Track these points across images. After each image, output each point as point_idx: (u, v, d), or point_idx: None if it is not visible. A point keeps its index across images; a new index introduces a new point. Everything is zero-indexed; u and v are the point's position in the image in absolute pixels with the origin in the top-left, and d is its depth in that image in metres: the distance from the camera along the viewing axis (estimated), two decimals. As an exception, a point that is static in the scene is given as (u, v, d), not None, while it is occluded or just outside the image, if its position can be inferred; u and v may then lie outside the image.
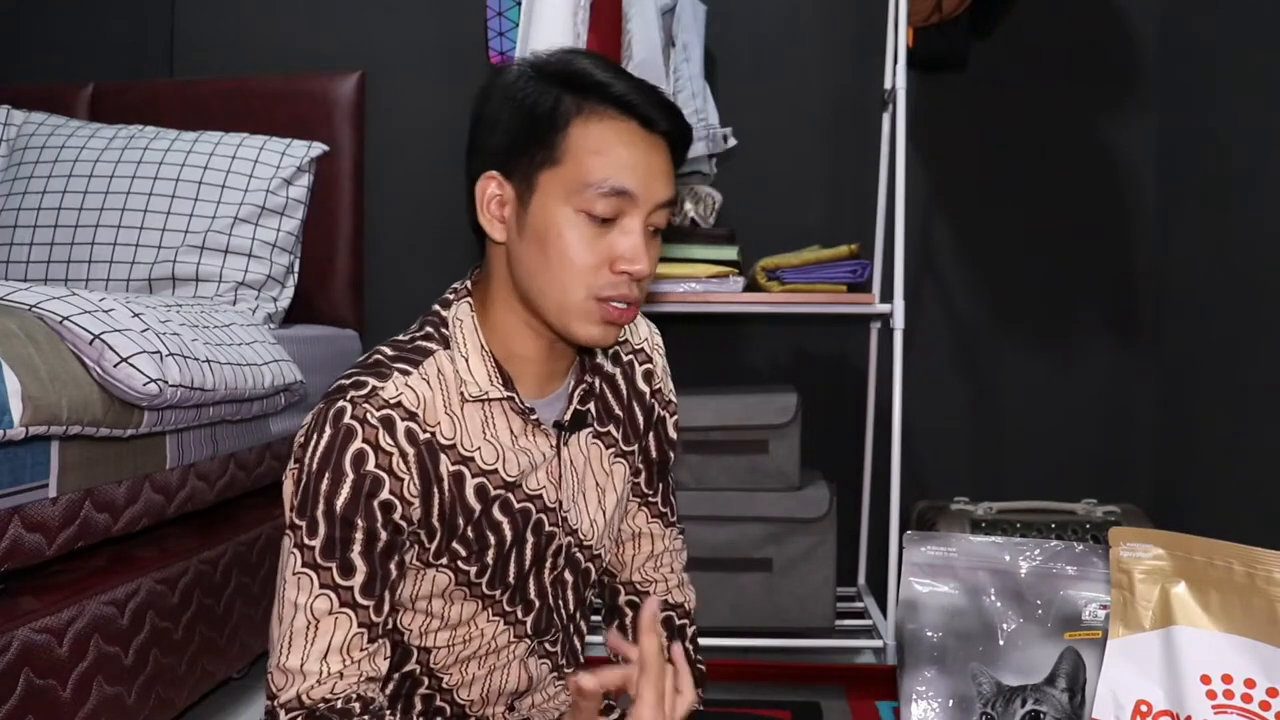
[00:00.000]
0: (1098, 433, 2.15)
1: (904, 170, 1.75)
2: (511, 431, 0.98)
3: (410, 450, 0.90)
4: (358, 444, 0.88)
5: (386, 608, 0.91)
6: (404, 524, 0.91)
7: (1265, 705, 0.95)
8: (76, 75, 2.30)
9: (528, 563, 1.01)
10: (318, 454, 0.89)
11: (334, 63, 2.24)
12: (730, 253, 1.82)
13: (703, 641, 1.26)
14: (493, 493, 0.96)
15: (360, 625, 0.90)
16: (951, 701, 1.16)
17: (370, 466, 0.88)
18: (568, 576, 1.06)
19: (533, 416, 0.98)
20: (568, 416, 1.02)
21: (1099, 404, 2.15)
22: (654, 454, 1.15)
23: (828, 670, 1.77)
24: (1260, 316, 1.74)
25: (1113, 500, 1.95)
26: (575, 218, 0.90)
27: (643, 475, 1.16)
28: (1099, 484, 2.07)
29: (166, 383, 1.20)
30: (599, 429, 1.06)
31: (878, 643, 1.79)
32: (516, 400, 0.97)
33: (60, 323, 1.13)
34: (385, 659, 0.93)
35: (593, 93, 0.91)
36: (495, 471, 0.96)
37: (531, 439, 0.99)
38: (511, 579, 1.00)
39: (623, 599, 1.20)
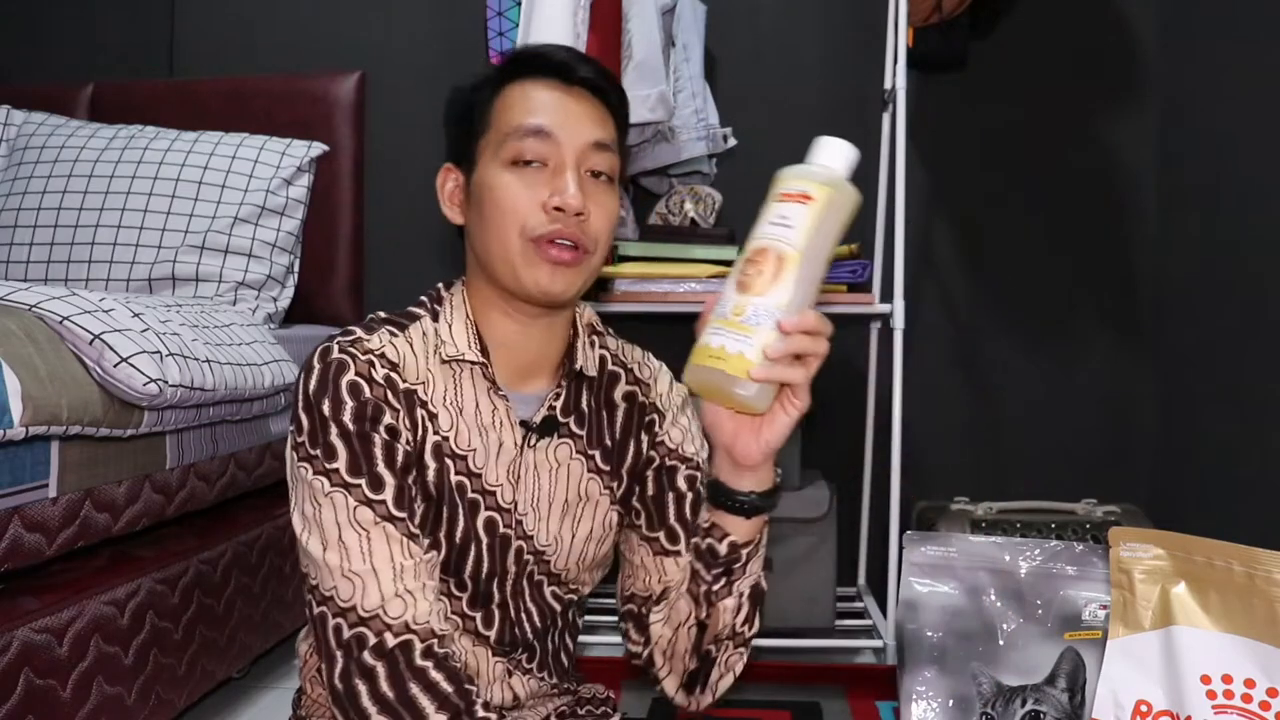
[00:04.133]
0: (1098, 433, 2.15)
1: (904, 170, 1.74)
2: (477, 406, 0.98)
3: (394, 393, 0.93)
4: (350, 375, 0.92)
5: (415, 528, 0.92)
6: (407, 456, 0.93)
7: (1265, 705, 0.95)
8: (76, 75, 2.30)
9: (485, 565, 0.99)
10: (313, 385, 0.92)
11: (334, 63, 2.24)
12: (730, 253, 1.82)
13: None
14: (445, 461, 0.96)
15: (407, 537, 0.90)
16: (951, 701, 1.16)
17: (368, 394, 0.91)
18: (525, 586, 1.03)
19: (499, 392, 0.98)
20: (538, 417, 1.01)
21: (1099, 404, 2.15)
22: (651, 491, 1.09)
23: (828, 670, 1.77)
24: (1260, 317, 1.74)
25: (1113, 500, 1.95)
26: (506, 172, 0.95)
27: (643, 517, 1.09)
28: (1099, 484, 2.07)
29: (166, 383, 1.20)
30: (588, 450, 1.05)
31: (878, 643, 1.79)
32: (488, 368, 0.98)
33: (60, 323, 1.13)
34: (439, 599, 0.94)
35: (512, 64, 0.99)
36: (448, 439, 0.97)
37: (496, 427, 0.99)
38: (467, 577, 0.99)
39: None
